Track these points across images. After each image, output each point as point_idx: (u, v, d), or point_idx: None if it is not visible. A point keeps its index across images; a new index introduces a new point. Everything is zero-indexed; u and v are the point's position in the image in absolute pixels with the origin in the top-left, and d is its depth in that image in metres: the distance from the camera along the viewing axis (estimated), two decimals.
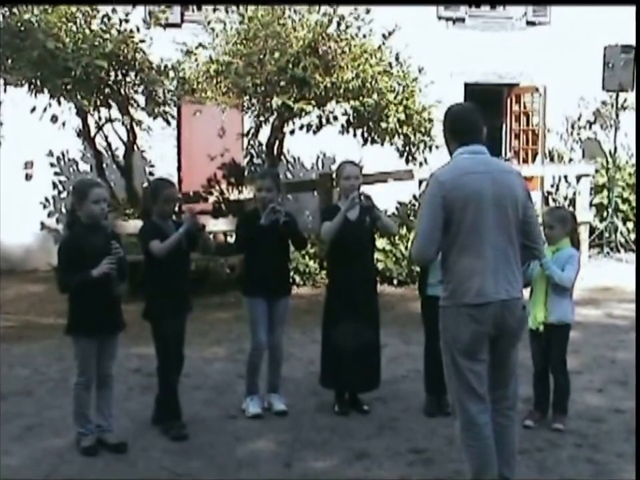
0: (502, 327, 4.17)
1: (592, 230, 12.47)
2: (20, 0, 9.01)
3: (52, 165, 12.03)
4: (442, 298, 4.26)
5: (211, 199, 10.64)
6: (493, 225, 4.11)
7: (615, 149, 12.87)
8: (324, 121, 9.94)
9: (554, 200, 13.66)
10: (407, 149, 10.24)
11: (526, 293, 4.69)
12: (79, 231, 5.10)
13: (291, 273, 8.69)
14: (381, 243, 10.00)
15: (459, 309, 4.14)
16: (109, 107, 9.79)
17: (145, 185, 8.05)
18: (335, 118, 9.96)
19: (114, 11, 9.33)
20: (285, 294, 5.93)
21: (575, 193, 12.76)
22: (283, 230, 5.73)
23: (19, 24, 8.91)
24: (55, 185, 12.05)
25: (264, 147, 10.82)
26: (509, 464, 4.33)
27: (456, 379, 4.23)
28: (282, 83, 9.16)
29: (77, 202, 5.10)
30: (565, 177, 13.72)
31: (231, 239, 10.62)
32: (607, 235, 12.62)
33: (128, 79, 9.62)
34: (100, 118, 10.09)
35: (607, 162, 13.21)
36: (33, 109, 9.30)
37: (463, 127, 4.24)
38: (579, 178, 12.42)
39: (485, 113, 4.39)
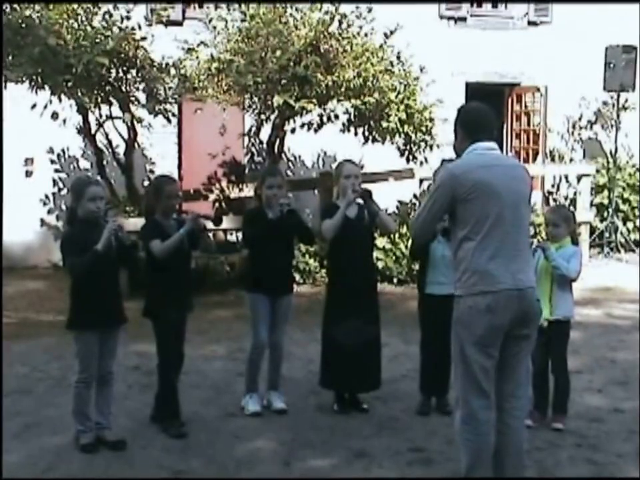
0: (517, 317, 4.15)
1: (592, 230, 12.47)
2: None
3: (52, 162, 12.03)
4: (457, 287, 4.24)
5: (211, 196, 10.63)
6: (506, 217, 4.15)
7: (616, 149, 12.87)
8: (325, 119, 9.93)
9: (554, 200, 13.66)
10: (408, 147, 10.24)
11: None
12: (78, 227, 5.11)
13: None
14: (381, 241, 10.00)
15: (475, 298, 4.13)
16: (110, 104, 9.77)
17: (147, 183, 8.04)
18: (336, 117, 9.95)
19: (115, 8, 9.32)
20: (287, 292, 5.91)
21: (575, 193, 12.78)
22: (290, 220, 5.71)
23: (20, 21, 8.88)
24: (55, 182, 12.06)
25: (265, 145, 10.81)
26: (514, 468, 4.28)
27: (462, 371, 4.21)
28: (283, 82, 9.15)
29: (74, 200, 5.14)
30: (566, 177, 13.73)
31: (232, 237, 10.64)
32: (607, 235, 12.62)
33: (129, 77, 9.60)
34: (101, 115, 10.08)
35: (608, 162, 13.21)
36: (34, 106, 9.28)
37: (477, 125, 4.33)
38: (579, 178, 12.44)
39: None
